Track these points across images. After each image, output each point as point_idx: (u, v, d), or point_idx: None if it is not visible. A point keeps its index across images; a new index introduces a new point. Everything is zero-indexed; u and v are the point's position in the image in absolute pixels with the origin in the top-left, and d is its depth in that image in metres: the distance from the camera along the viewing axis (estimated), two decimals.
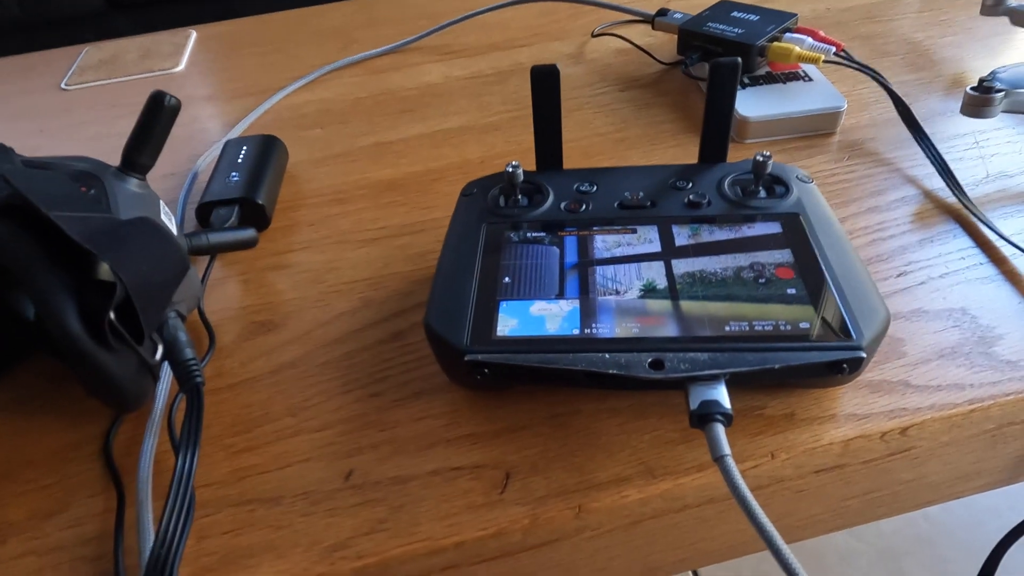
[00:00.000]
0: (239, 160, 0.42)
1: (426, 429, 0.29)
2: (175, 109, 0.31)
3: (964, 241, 0.35)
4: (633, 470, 0.27)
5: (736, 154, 0.43)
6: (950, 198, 0.38)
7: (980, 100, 0.37)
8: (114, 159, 0.32)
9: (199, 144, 0.50)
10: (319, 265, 0.38)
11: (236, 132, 0.50)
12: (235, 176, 0.41)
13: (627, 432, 0.28)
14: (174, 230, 0.32)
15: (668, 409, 0.29)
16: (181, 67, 0.62)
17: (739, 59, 0.31)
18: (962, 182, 0.39)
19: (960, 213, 0.37)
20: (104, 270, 0.26)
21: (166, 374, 0.31)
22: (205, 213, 0.40)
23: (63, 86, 0.61)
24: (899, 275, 0.34)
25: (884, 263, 0.35)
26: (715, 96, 0.32)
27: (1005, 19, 0.48)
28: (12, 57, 0.69)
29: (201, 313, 0.35)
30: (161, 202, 0.32)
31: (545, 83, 0.33)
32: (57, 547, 0.27)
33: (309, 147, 0.49)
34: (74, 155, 0.31)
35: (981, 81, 0.37)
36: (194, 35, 0.68)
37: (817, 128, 0.43)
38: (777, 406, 0.29)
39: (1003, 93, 0.37)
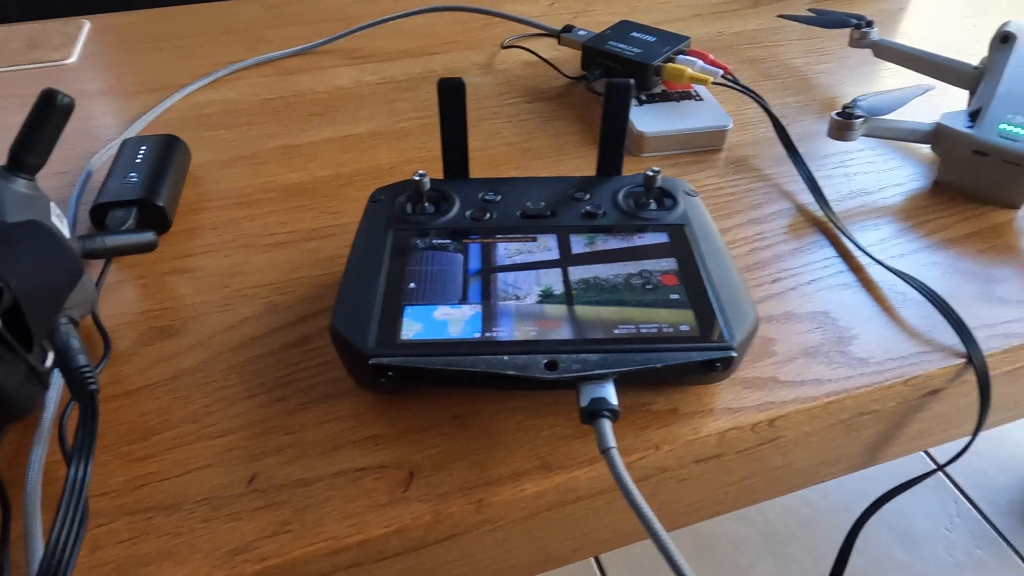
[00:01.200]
0: (137, 160, 0.41)
1: (331, 432, 0.30)
2: (68, 108, 0.30)
3: (829, 251, 0.39)
4: (530, 465, 0.29)
5: (632, 166, 0.46)
6: (819, 212, 0.42)
7: (843, 125, 0.41)
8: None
9: (93, 142, 0.48)
10: (223, 269, 0.38)
11: (134, 130, 0.49)
12: (133, 177, 0.40)
13: (525, 430, 0.30)
14: (66, 232, 0.31)
15: (564, 407, 0.31)
16: (73, 59, 0.59)
17: (632, 80, 0.34)
18: (829, 198, 0.43)
19: (826, 226, 0.41)
20: None
21: (56, 382, 0.30)
22: (100, 215, 0.38)
23: None
24: (773, 281, 0.37)
25: (760, 270, 0.38)
26: (610, 114, 0.35)
27: (870, 51, 0.54)
28: None
29: (96, 318, 0.34)
30: (52, 203, 0.31)
31: (452, 95, 0.34)
32: None
33: (213, 148, 0.48)
34: None
35: (844, 108, 0.41)
36: (88, 25, 0.65)
37: (706, 144, 0.47)
38: (663, 402, 0.31)
39: (862, 119, 0.41)
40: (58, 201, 0.43)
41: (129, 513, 0.27)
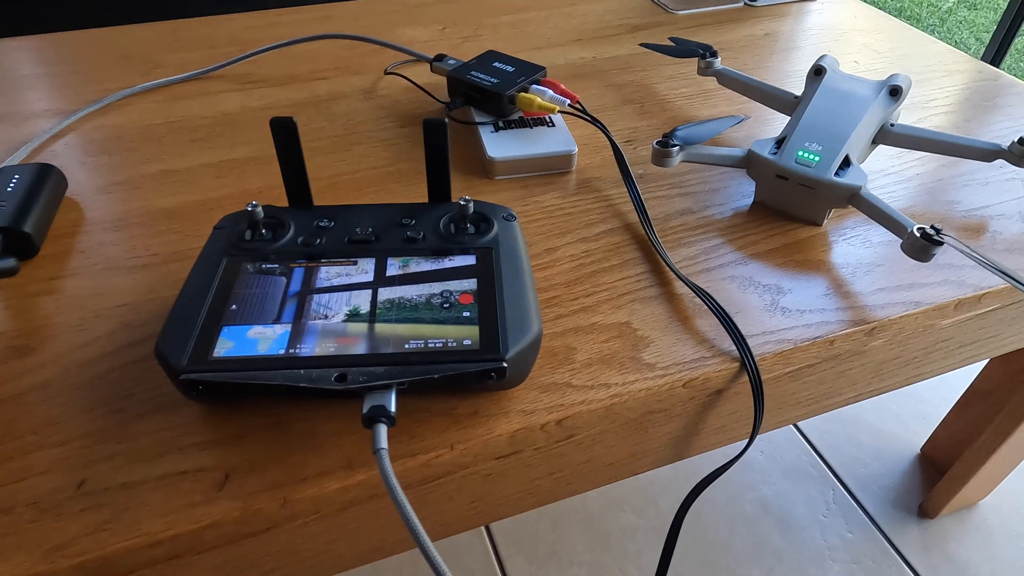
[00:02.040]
0: (9, 189, 0.44)
1: (161, 439, 0.33)
2: None
3: (644, 267, 0.44)
4: (336, 465, 0.32)
5: (485, 187, 0.50)
6: (643, 231, 0.46)
7: (661, 153, 0.46)
8: None
9: None
10: (85, 291, 0.41)
11: (18, 158, 0.51)
12: (2, 204, 0.43)
13: (338, 434, 0.34)
14: None
15: None
16: None
17: (445, 120, 0.38)
18: (656, 217, 0.47)
19: (646, 243, 0.45)
20: None
21: None
22: None
23: None
24: (588, 295, 0.42)
25: (579, 285, 0.42)
26: (431, 148, 0.39)
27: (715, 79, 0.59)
28: None
29: None
30: None
31: (284, 132, 0.38)
32: None
33: (94, 174, 0.51)
34: None
35: (664, 136, 0.46)
36: None
37: (554, 167, 0.51)
38: (466, 407, 0.35)
39: (678, 147, 0.46)
40: None
41: None
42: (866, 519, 0.78)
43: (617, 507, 0.79)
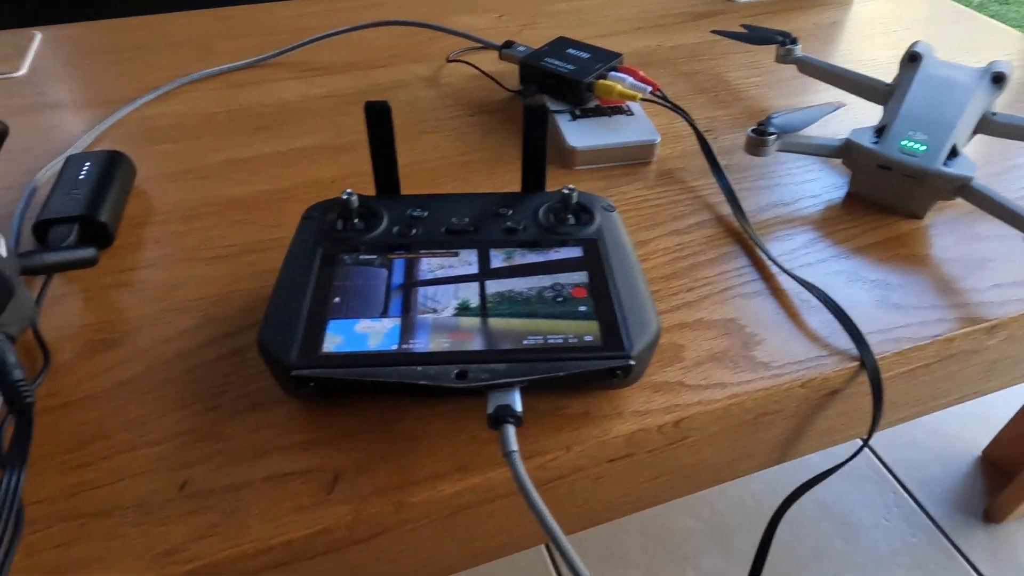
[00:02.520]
0: (80, 177, 0.42)
1: (261, 439, 0.32)
2: (2, 134, 0.31)
3: (743, 261, 0.42)
4: (448, 467, 0.31)
5: (566, 179, 0.48)
6: (736, 223, 0.44)
7: (757, 141, 0.44)
8: None
9: (40, 156, 0.49)
10: (163, 283, 0.39)
11: (82, 145, 0.50)
12: (76, 192, 0.41)
13: (447, 434, 0.32)
14: (3, 251, 0.32)
15: (483, 413, 0.33)
16: (23, 71, 0.60)
17: (546, 103, 0.36)
18: (749, 209, 0.45)
19: (742, 236, 0.43)
20: None
21: None
22: (43, 231, 0.40)
23: None
24: (688, 290, 0.40)
25: (677, 280, 0.40)
26: (529, 134, 0.37)
27: (795, 66, 0.57)
28: None
29: (36, 332, 0.35)
30: None
31: (378, 118, 0.36)
32: None
33: (160, 162, 0.49)
34: None
35: (759, 125, 0.44)
36: (39, 36, 0.65)
37: (636, 157, 0.49)
38: (577, 406, 0.33)
39: (775, 136, 0.44)
40: (3, 216, 0.44)
41: (64, 519, 0.28)
42: (929, 523, 0.76)
43: (672, 509, 0.77)
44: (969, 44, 0.67)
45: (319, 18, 0.69)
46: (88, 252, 0.37)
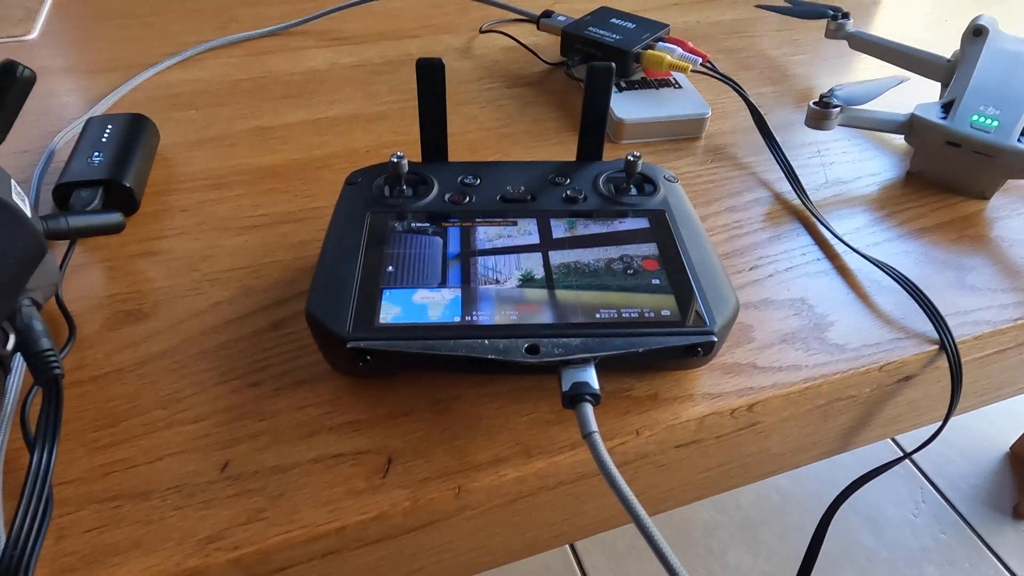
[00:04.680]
0: (103, 139, 0.40)
1: (307, 417, 0.29)
2: (29, 81, 0.29)
3: (806, 239, 0.39)
4: (510, 451, 0.28)
5: (611, 153, 0.46)
6: (796, 200, 0.42)
7: (820, 114, 0.41)
8: None
9: (56, 120, 0.46)
10: (194, 252, 0.37)
11: (100, 109, 0.47)
12: (99, 156, 0.39)
13: (505, 415, 0.30)
14: (27, 212, 0.30)
15: (544, 393, 0.30)
16: (34, 34, 0.57)
17: (613, 64, 0.34)
18: (806, 186, 0.43)
19: (803, 214, 0.41)
20: None
21: (18, 367, 0.29)
22: (64, 194, 0.37)
23: None
24: (751, 268, 0.37)
25: (739, 257, 0.38)
26: (591, 98, 0.34)
27: (845, 42, 0.54)
28: None
29: (59, 301, 0.33)
30: (12, 181, 0.30)
31: (431, 76, 0.34)
32: None
33: (183, 129, 0.46)
34: None
35: (821, 97, 0.42)
36: None
37: (685, 132, 0.47)
38: (643, 388, 0.31)
39: (839, 109, 0.42)
40: (20, 181, 0.41)
41: (96, 501, 0.26)
42: (959, 519, 0.74)
43: (697, 502, 0.75)
44: (1013, 21, 0.65)
45: None
46: (115, 217, 0.35)
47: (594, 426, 0.25)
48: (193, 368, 0.31)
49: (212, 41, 0.56)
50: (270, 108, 0.49)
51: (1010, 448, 0.83)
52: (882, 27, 0.64)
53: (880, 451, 0.82)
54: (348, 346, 0.26)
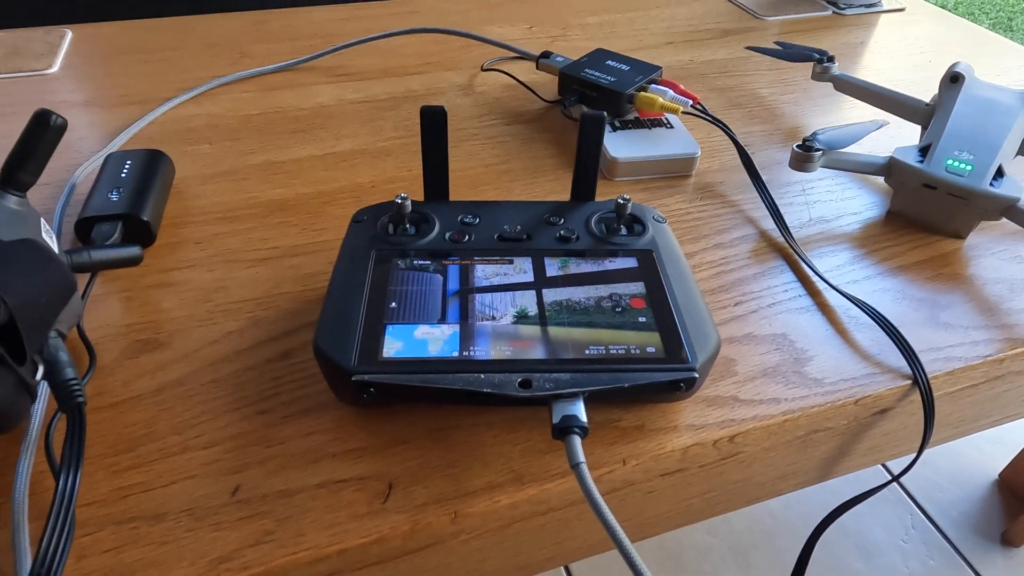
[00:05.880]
0: (122, 175, 0.42)
1: (313, 444, 0.31)
2: (61, 129, 0.31)
3: (789, 276, 0.41)
4: (504, 478, 0.30)
5: (605, 189, 0.48)
6: (780, 238, 0.44)
7: (803, 157, 0.44)
8: None
9: (76, 154, 0.49)
10: (207, 284, 0.39)
11: (117, 144, 0.49)
12: (119, 191, 0.41)
13: (500, 444, 0.31)
14: (55, 248, 0.32)
15: (536, 423, 0.32)
16: (55, 69, 0.59)
17: (604, 113, 0.36)
18: (789, 225, 0.45)
19: (787, 251, 0.43)
20: None
21: (42, 394, 0.31)
22: (85, 228, 0.39)
23: None
24: (736, 304, 0.39)
25: (724, 293, 0.40)
26: (584, 143, 0.37)
27: (831, 84, 0.57)
28: None
29: (81, 331, 0.35)
30: (42, 220, 0.32)
31: (433, 122, 0.36)
32: None
33: (197, 163, 0.49)
34: None
35: (804, 141, 0.44)
36: (69, 35, 0.65)
37: (676, 170, 0.49)
38: (630, 419, 0.33)
39: (821, 152, 0.44)
40: (43, 213, 0.43)
41: (115, 523, 0.28)
42: (947, 546, 0.75)
43: (690, 526, 0.77)
44: (992, 65, 0.67)
45: (349, 24, 0.69)
46: (134, 251, 0.37)
47: (581, 457, 0.26)
48: (206, 396, 0.33)
49: (225, 77, 0.58)
50: (280, 143, 0.51)
51: (999, 475, 0.85)
52: (870, 65, 0.66)
53: (866, 475, 0.84)
54: (353, 379, 0.28)
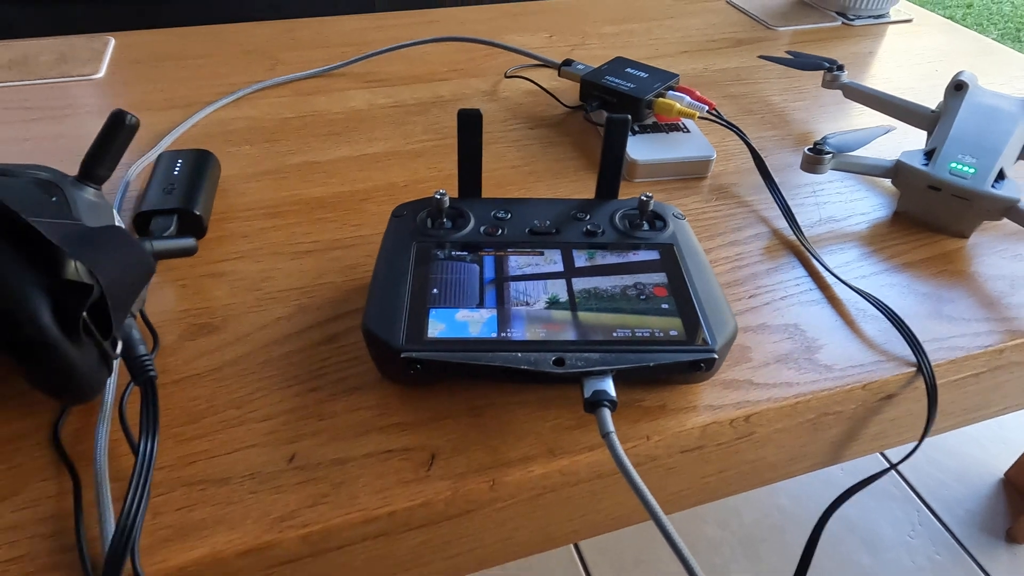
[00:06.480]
0: (175, 172, 0.45)
1: (361, 419, 0.34)
2: (134, 128, 0.34)
3: (800, 271, 0.44)
4: (537, 451, 0.33)
5: (626, 190, 0.50)
6: (792, 236, 0.47)
7: (814, 160, 0.46)
8: (33, 163, 0.34)
9: (128, 154, 0.52)
10: (255, 274, 0.42)
11: (164, 144, 0.52)
12: (172, 187, 0.44)
13: (532, 420, 0.34)
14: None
15: (566, 402, 0.35)
16: (101, 74, 0.63)
17: (629, 116, 0.38)
18: (801, 224, 0.48)
19: (798, 248, 0.46)
20: (71, 271, 0.28)
21: (115, 368, 0.34)
22: (143, 222, 0.42)
23: None
24: (751, 297, 0.42)
25: (740, 286, 0.43)
26: (609, 145, 0.39)
27: (840, 91, 0.59)
28: None
29: (144, 315, 0.38)
30: (115, 211, 0.35)
31: (470, 124, 0.39)
32: (13, 526, 0.29)
33: (239, 162, 0.52)
34: (31, 163, 0.33)
35: (815, 144, 0.46)
36: (112, 42, 0.68)
37: (692, 172, 0.52)
38: (653, 399, 0.35)
39: (831, 155, 0.46)
40: None
41: (184, 485, 0.30)
42: (953, 542, 0.77)
43: (701, 519, 0.79)
44: (997, 74, 0.70)
45: (377, 33, 0.73)
46: (189, 242, 0.40)
47: (611, 427, 0.29)
48: (260, 374, 0.36)
49: (262, 82, 0.62)
50: (316, 144, 0.54)
51: (1004, 474, 0.86)
52: (878, 74, 0.69)
53: (870, 469, 0.85)
54: (402, 356, 0.31)
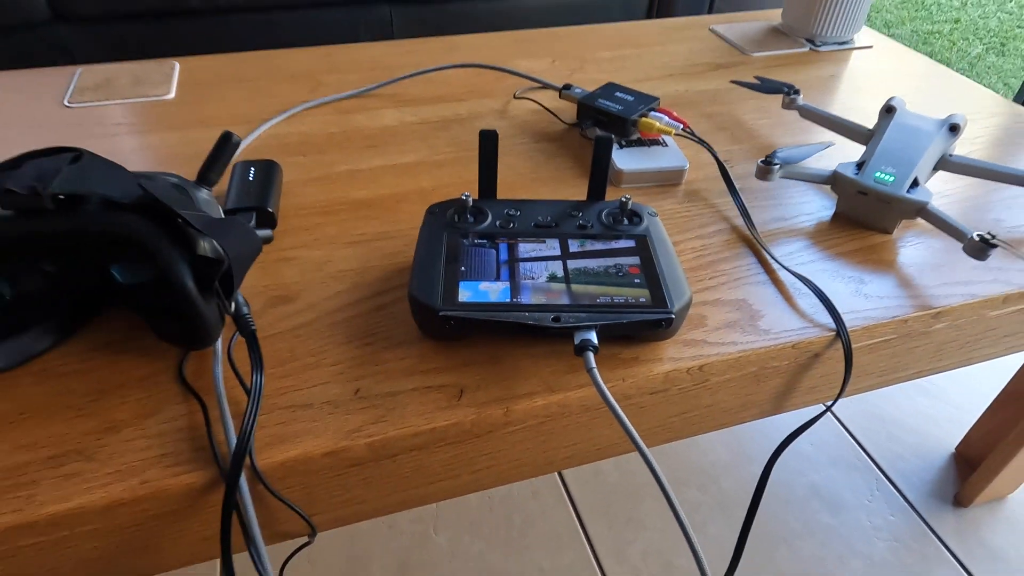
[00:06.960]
0: (250, 178, 0.56)
1: (406, 365, 0.45)
2: (237, 144, 0.45)
3: (752, 259, 0.55)
4: (539, 388, 0.44)
5: (613, 193, 0.61)
6: (748, 232, 0.58)
7: (765, 170, 0.57)
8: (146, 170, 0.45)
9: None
10: (317, 258, 0.53)
11: (236, 155, 0.64)
12: (249, 190, 0.55)
13: (537, 367, 0.45)
14: None
15: (562, 355, 0.46)
16: (171, 95, 0.74)
17: (613, 136, 0.49)
18: (756, 222, 0.59)
19: (752, 242, 0.57)
20: (203, 248, 0.39)
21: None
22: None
23: (66, 103, 0.71)
24: (711, 279, 0.53)
25: (703, 271, 0.53)
26: (597, 158, 0.50)
27: (797, 112, 0.70)
28: (5, 72, 0.78)
29: None
30: (218, 205, 0.46)
31: (489, 142, 0.50)
32: (159, 433, 0.40)
33: (296, 170, 0.63)
34: (163, 171, 0.44)
35: (766, 157, 0.57)
36: (177, 66, 0.80)
37: (669, 180, 0.63)
38: (628, 353, 0.46)
39: (779, 166, 0.57)
40: None
41: (279, 409, 0.41)
42: (906, 505, 0.88)
43: (684, 484, 0.89)
44: (943, 97, 0.80)
45: (403, 58, 0.84)
46: (267, 233, 0.51)
47: (594, 364, 0.40)
48: (328, 333, 0.47)
49: (308, 102, 0.73)
50: (357, 155, 0.65)
51: (955, 448, 0.97)
52: (839, 96, 0.79)
53: (833, 443, 0.96)
54: (440, 314, 0.42)
